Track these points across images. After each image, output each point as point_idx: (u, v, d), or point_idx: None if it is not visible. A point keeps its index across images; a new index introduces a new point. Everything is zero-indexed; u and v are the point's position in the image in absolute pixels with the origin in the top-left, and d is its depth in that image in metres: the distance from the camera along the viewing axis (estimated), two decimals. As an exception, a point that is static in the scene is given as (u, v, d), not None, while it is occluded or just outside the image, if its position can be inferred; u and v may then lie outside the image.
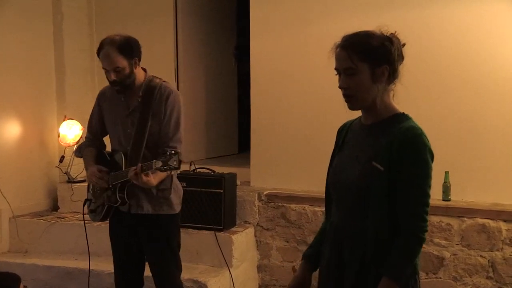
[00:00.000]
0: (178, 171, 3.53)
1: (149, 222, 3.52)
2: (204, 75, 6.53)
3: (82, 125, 5.71)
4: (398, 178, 2.11)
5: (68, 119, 5.74)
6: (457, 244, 4.50)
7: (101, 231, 4.53)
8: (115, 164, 3.50)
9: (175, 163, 3.05)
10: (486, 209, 4.46)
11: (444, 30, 4.65)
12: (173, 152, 3.07)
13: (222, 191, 4.87)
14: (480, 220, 4.43)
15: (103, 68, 3.42)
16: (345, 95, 2.20)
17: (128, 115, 3.50)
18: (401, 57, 2.22)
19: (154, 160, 3.11)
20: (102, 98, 3.67)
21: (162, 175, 3.36)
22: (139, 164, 3.22)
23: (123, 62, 3.37)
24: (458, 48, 4.62)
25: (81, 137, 5.68)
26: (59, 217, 5.51)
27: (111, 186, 3.45)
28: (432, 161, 2.15)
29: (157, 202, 3.51)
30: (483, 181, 4.61)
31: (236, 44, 7.01)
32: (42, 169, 5.80)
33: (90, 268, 4.27)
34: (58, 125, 5.79)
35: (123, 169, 3.40)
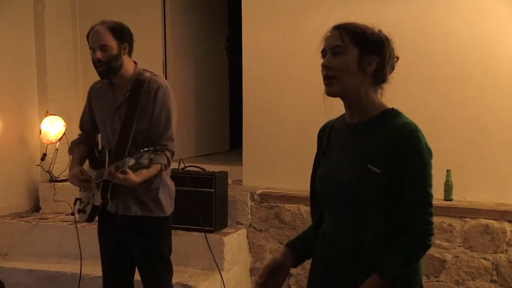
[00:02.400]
0: (168, 169, 3.49)
1: (137, 224, 3.48)
2: (193, 68, 6.53)
3: (65, 121, 5.69)
4: (397, 180, 2.07)
5: (50, 115, 5.73)
6: (459, 246, 4.52)
7: (86, 233, 4.52)
8: (100, 162, 3.47)
9: (146, 161, 3.03)
10: (489, 209, 4.46)
11: (447, 25, 4.65)
12: (146, 149, 3.05)
13: (212, 190, 4.86)
14: (484, 221, 4.44)
15: (90, 48, 3.39)
16: (326, 76, 2.17)
17: (115, 110, 3.47)
18: (391, 62, 2.19)
19: (128, 158, 3.11)
20: (92, 93, 3.65)
21: (146, 174, 3.31)
22: (115, 164, 3.21)
23: (111, 41, 3.36)
24: (461, 44, 4.62)
25: (64, 133, 5.67)
26: (41, 218, 5.49)
27: (94, 185, 3.43)
28: (431, 157, 2.13)
29: (145, 203, 3.47)
30: (487, 180, 4.63)
31: (227, 36, 7.01)
32: (22, 167, 5.78)
33: (74, 272, 4.28)
34: (40, 121, 5.77)
35: (106, 167, 3.37)
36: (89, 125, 3.67)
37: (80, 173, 3.45)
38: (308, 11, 5.07)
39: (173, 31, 6.12)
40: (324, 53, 2.22)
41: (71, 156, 3.70)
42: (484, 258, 4.45)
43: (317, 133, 2.46)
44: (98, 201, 3.43)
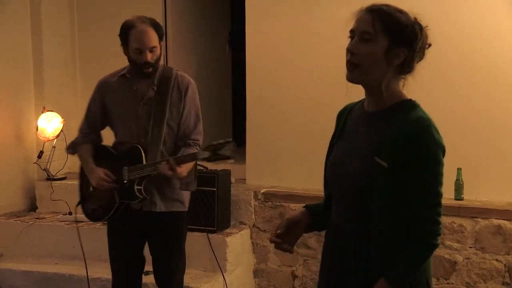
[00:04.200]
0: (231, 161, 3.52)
1: (160, 220, 3.57)
2: (195, 63, 6.52)
3: (62, 117, 5.70)
4: (405, 176, 2.06)
5: (47, 111, 5.73)
6: (470, 247, 4.52)
7: (84, 233, 4.53)
8: (128, 158, 3.48)
9: (228, 151, 3.10)
10: (502, 209, 4.47)
11: (459, 19, 4.65)
12: (223, 141, 3.12)
13: (215, 189, 4.87)
14: (496, 221, 4.44)
15: (136, 48, 3.40)
16: (349, 62, 2.13)
17: (142, 106, 3.52)
18: (421, 53, 2.17)
19: (199, 150, 3.22)
20: (104, 88, 3.65)
21: (189, 166, 3.40)
22: (171, 158, 3.27)
23: (157, 41, 3.43)
24: (473, 39, 4.63)
25: (61, 130, 5.68)
26: (38, 218, 5.50)
27: (126, 181, 3.43)
28: (444, 156, 2.11)
29: (170, 199, 3.57)
30: (499, 179, 4.63)
31: (230, 30, 7.01)
32: (18, 165, 5.79)
33: (72, 273, 4.27)
34: (36, 118, 5.78)
35: (144, 162, 3.41)
36: (98, 120, 3.68)
37: (105, 174, 3.48)
38: (315, 3, 5.06)
39: (174, 25, 6.12)
40: (352, 34, 2.17)
41: (78, 155, 3.70)
42: (496, 260, 4.45)
43: (336, 114, 2.43)
44: (133, 197, 3.45)
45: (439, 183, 2.09)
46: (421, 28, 2.16)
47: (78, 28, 6.16)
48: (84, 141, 3.69)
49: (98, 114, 3.67)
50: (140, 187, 3.43)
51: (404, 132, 2.07)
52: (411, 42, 2.13)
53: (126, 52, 3.49)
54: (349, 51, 2.14)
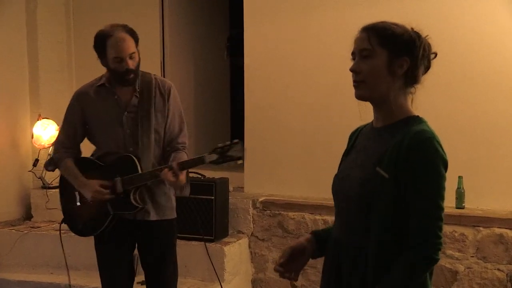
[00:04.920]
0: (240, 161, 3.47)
1: (152, 228, 3.57)
2: (193, 69, 6.53)
3: (58, 124, 5.70)
4: (406, 189, 2.06)
5: (43, 118, 5.74)
6: (472, 257, 4.51)
7: (79, 242, 4.51)
8: (120, 168, 3.46)
9: (237, 152, 3.10)
10: (504, 217, 4.46)
11: (459, 25, 4.66)
12: (231, 142, 3.12)
13: (213, 197, 4.87)
14: (498, 230, 4.44)
15: (116, 57, 3.38)
16: (354, 81, 2.18)
17: (127, 114, 3.50)
18: (426, 61, 2.20)
19: (205, 154, 3.18)
20: (83, 99, 3.61)
21: (185, 172, 3.41)
22: (175, 163, 3.27)
23: (135, 48, 3.43)
24: (474, 47, 4.63)
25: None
26: (33, 227, 5.50)
27: (121, 192, 3.43)
28: (446, 169, 2.10)
29: (162, 206, 3.58)
30: (501, 187, 4.62)
31: (228, 35, 7.02)
32: (13, 173, 5.79)
33: (68, 283, 4.25)
34: (32, 125, 5.79)
35: (139, 172, 3.40)
36: (77, 133, 3.65)
37: (101, 185, 3.46)
38: (314, 8, 5.07)
39: (171, 30, 6.13)
40: (353, 56, 2.21)
41: (61, 171, 3.67)
42: (498, 269, 4.45)
43: (341, 130, 2.50)
44: (130, 207, 3.45)
45: (440, 197, 2.09)
46: (418, 35, 2.19)
47: (74, 34, 6.17)
48: (66, 156, 3.63)
49: (78, 126, 3.63)
50: (136, 197, 3.44)
51: (405, 144, 2.08)
52: (411, 50, 2.16)
53: (104, 62, 3.46)
54: (353, 71, 2.19)
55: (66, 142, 3.66)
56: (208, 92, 6.75)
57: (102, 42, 3.42)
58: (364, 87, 2.16)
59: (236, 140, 3.12)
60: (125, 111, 3.51)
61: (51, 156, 3.71)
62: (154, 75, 3.62)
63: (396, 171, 2.07)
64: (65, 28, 6.14)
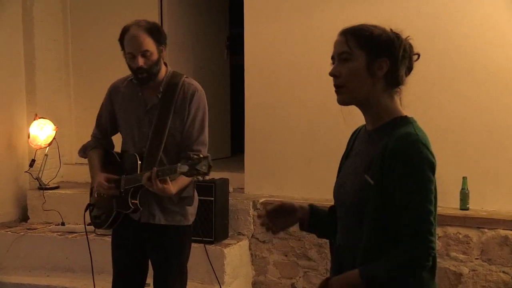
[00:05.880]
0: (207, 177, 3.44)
1: (159, 233, 3.54)
2: (192, 69, 6.53)
3: (55, 124, 5.71)
4: (391, 194, 2.06)
5: (39, 118, 5.73)
6: (476, 259, 4.51)
7: (78, 244, 4.52)
8: (127, 166, 3.49)
9: (204, 167, 3.02)
10: (509, 219, 4.46)
11: (461, 26, 4.66)
12: (201, 155, 3.04)
13: (212, 198, 4.87)
14: (503, 232, 4.44)
15: (128, 53, 3.39)
16: (335, 85, 2.19)
17: (146, 113, 3.51)
18: (407, 62, 2.19)
19: (178, 164, 3.09)
20: (114, 92, 3.65)
21: (183, 182, 3.37)
22: (154, 168, 3.23)
23: (151, 46, 3.38)
24: (479, 47, 4.63)
25: (54, 138, 5.69)
26: (29, 229, 5.50)
27: (122, 191, 3.44)
28: (433, 172, 2.08)
29: (171, 211, 3.52)
30: (506, 188, 4.62)
31: (228, 34, 7.02)
32: (9, 174, 5.79)
33: (65, 286, 4.26)
34: (28, 125, 5.78)
35: (138, 172, 3.40)
36: (108, 125, 3.69)
37: (107, 180, 3.47)
38: (315, 7, 5.07)
39: (170, 29, 6.12)
40: (333, 60, 2.22)
41: (87, 159, 3.70)
42: (503, 272, 4.45)
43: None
44: (126, 207, 3.45)
45: (429, 201, 2.06)
46: (397, 35, 2.18)
47: (71, 33, 6.17)
48: (94, 145, 3.70)
49: (107, 118, 3.67)
50: (135, 198, 3.42)
51: (388, 149, 2.08)
52: (389, 50, 2.15)
53: (125, 57, 3.48)
54: (332, 75, 2.19)
55: (96, 132, 3.73)
56: (207, 92, 6.65)
57: (122, 36, 3.43)
58: (345, 91, 2.17)
59: (205, 155, 3.06)
60: (144, 109, 3.51)
61: (84, 143, 3.74)
62: (186, 77, 3.57)
63: (381, 178, 2.07)
64: (62, 26, 6.14)
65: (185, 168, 3.04)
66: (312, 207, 2.45)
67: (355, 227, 2.17)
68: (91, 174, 3.64)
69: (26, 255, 5.28)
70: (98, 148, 3.69)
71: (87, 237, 3.85)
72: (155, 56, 3.41)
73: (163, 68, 3.53)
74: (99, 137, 3.72)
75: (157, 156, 3.43)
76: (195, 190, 3.63)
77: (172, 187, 3.27)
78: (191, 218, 3.61)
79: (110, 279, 3.69)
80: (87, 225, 3.82)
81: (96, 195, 3.65)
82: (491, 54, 4.60)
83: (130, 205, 3.42)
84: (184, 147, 3.45)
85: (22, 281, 4.98)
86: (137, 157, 3.44)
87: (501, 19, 4.57)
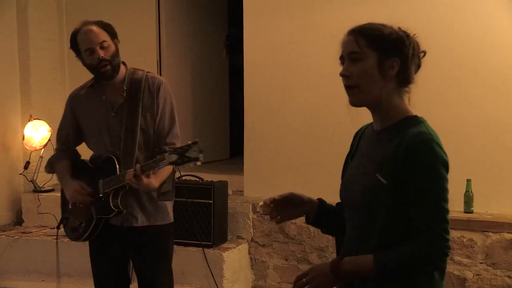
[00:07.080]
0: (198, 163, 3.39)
1: (142, 234, 3.52)
2: (190, 69, 6.54)
3: (50, 126, 5.70)
4: (405, 193, 2.06)
5: (34, 119, 5.73)
6: (481, 263, 4.51)
7: (73, 248, 4.51)
8: (103, 170, 3.46)
9: (194, 153, 3.02)
10: (514, 222, 4.47)
11: (465, 25, 4.67)
12: (189, 142, 3.05)
13: (211, 201, 4.87)
14: (508, 235, 4.44)
15: (86, 50, 3.38)
16: (346, 86, 2.19)
17: (114, 116, 3.49)
18: (416, 60, 2.20)
19: (165, 154, 3.10)
20: (75, 101, 3.63)
21: (162, 175, 3.37)
22: (138, 165, 3.22)
23: (107, 37, 3.39)
24: (483, 48, 4.64)
25: (49, 139, 5.68)
26: (24, 232, 5.50)
27: (102, 195, 3.42)
28: (447, 171, 2.10)
29: (151, 211, 3.51)
30: (511, 190, 4.62)
31: (227, 33, 7.02)
32: (3, 176, 5.78)
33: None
34: (23, 126, 5.78)
35: (117, 173, 3.39)
36: (71, 136, 3.66)
37: (81, 187, 3.46)
38: (315, 6, 5.07)
39: (168, 28, 6.14)
40: (342, 60, 2.22)
41: (56, 173, 3.70)
42: (508, 276, 4.45)
43: (342, 132, 2.46)
44: (108, 211, 3.41)
45: (443, 199, 2.08)
46: (407, 34, 2.19)
47: (67, 32, 6.14)
48: (60, 158, 3.67)
49: (70, 129, 3.64)
50: (116, 200, 3.39)
51: (402, 147, 2.08)
52: (400, 49, 2.17)
53: (82, 61, 3.47)
54: (343, 75, 2.19)
55: (60, 145, 3.71)
56: (206, 92, 6.75)
57: (74, 40, 3.43)
58: (357, 92, 2.17)
59: (195, 140, 3.07)
60: (112, 112, 3.49)
61: (49, 158, 3.73)
62: (148, 72, 3.56)
63: (394, 176, 2.08)
64: (57, 25, 6.13)
65: (174, 157, 3.04)
66: (321, 202, 2.46)
67: (365, 228, 2.17)
68: (62, 186, 3.61)
69: (20, 259, 5.28)
70: (63, 160, 3.66)
71: (57, 244, 3.77)
72: (112, 47, 3.41)
73: (123, 67, 3.52)
74: (62, 149, 3.69)
75: (134, 155, 3.42)
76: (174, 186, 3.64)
77: (155, 181, 3.29)
78: (171, 216, 3.61)
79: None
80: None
81: (71, 206, 3.59)
82: (496, 56, 4.61)
83: (112, 207, 3.39)
84: (158, 142, 3.47)
85: (16, 286, 4.98)
86: (115, 159, 3.43)
87: (510, 20, 4.57)
